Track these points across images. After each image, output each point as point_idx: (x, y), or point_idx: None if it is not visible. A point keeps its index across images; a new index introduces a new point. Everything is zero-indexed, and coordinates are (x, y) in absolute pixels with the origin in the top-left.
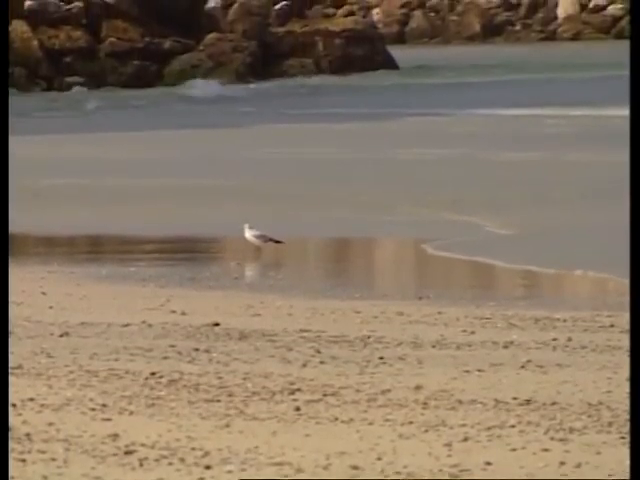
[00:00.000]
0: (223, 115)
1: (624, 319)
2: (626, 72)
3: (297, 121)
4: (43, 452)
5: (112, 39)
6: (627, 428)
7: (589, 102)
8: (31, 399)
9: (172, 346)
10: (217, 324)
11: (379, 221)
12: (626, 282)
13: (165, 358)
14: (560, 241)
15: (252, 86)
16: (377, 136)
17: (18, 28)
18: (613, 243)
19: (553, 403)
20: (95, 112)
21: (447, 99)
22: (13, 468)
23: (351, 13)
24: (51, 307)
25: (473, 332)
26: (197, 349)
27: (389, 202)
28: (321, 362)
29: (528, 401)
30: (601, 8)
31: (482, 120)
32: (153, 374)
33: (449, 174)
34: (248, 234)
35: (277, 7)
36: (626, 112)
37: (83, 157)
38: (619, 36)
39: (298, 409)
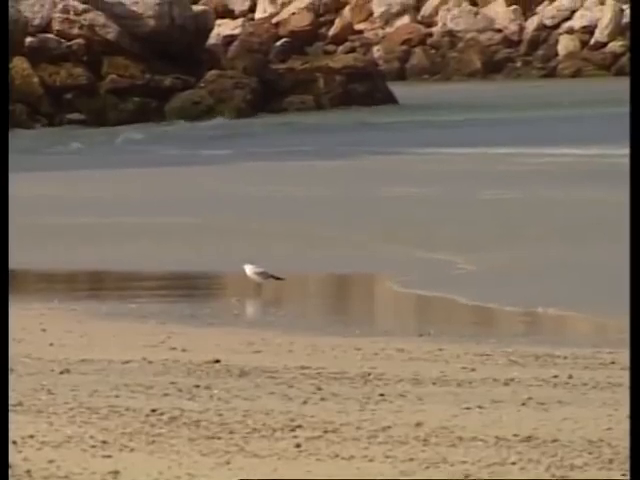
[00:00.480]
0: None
1: (624, 356)
2: (625, 109)
3: (279, 159)
4: None
5: (113, 76)
6: (628, 465)
7: (582, 140)
8: (31, 436)
9: (173, 383)
10: (218, 361)
11: (353, 258)
12: (592, 319)
13: (165, 395)
14: (530, 279)
15: (213, 122)
16: (357, 174)
17: (19, 65)
18: (586, 281)
19: (554, 440)
20: (81, 150)
21: (441, 137)
22: None
23: (352, 50)
24: (51, 344)
25: (474, 369)
26: (198, 386)
27: (364, 240)
28: (322, 399)
29: (529, 438)
30: (601, 45)
31: (469, 158)
32: (153, 411)
33: (429, 212)
34: (248, 270)
35: (278, 44)
36: (616, 151)
37: (64, 195)
38: (619, 73)
39: (299, 446)
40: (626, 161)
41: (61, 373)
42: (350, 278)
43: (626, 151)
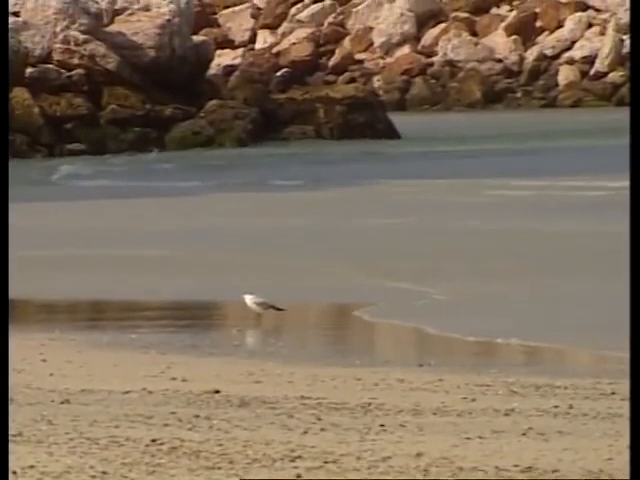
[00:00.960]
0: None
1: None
2: (624, 140)
3: (248, 190)
4: None
5: (113, 106)
6: None
7: (575, 171)
8: (32, 466)
9: (173, 413)
10: (218, 391)
11: (327, 289)
12: (554, 347)
13: (166, 425)
14: (496, 310)
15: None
16: (338, 204)
17: (19, 95)
18: (557, 312)
19: (554, 470)
20: (62, 181)
21: (435, 168)
22: None
23: (352, 80)
24: (52, 374)
25: (474, 399)
26: (198, 416)
27: (337, 270)
28: (322, 429)
29: (529, 468)
30: (602, 75)
31: (455, 189)
32: (154, 441)
33: (409, 243)
34: (249, 301)
35: (278, 74)
36: (606, 183)
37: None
38: (620, 103)
39: (299, 476)
40: (614, 193)
41: (61, 403)
42: (329, 309)
43: (617, 184)
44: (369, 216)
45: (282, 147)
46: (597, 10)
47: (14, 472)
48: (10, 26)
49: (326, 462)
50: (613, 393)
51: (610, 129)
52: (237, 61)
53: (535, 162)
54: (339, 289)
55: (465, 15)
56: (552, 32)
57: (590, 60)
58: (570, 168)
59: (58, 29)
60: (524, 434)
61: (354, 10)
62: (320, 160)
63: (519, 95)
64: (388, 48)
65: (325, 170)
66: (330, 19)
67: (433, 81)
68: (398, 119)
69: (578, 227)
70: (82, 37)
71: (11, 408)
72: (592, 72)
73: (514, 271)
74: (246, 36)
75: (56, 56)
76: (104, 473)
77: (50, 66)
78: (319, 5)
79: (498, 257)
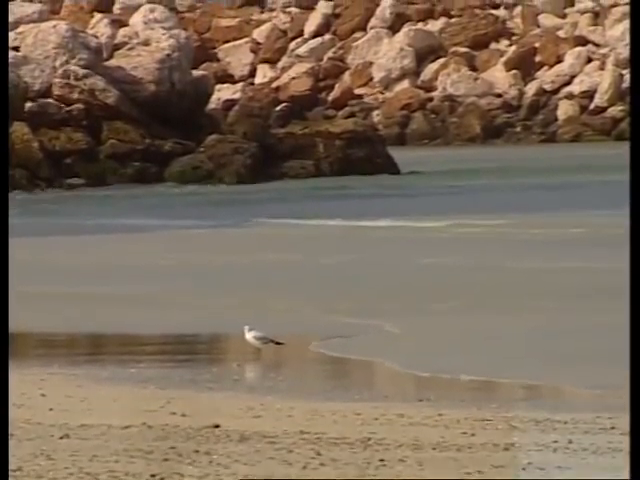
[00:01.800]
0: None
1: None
2: (623, 176)
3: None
4: None
5: (113, 141)
6: None
7: (564, 207)
8: None
9: (172, 448)
10: (217, 426)
11: (282, 323)
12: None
13: (165, 460)
14: (449, 347)
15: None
16: (301, 242)
17: (19, 130)
18: (505, 347)
19: None
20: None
21: (428, 204)
22: None
23: (351, 115)
24: (51, 409)
25: (474, 434)
26: (197, 451)
27: (298, 308)
28: (321, 464)
29: None
30: (601, 110)
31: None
32: (153, 476)
33: (373, 280)
34: (248, 335)
35: (277, 109)
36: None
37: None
38: (619, 138)
39: None
40: (582, 231)
41: (61, 438)
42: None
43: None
44: (342, 253)
45: (278, 183)
46: (596, 45)
47: None
48: (10, 60)
49: None
50: (613, 428)
51: (609, 165)
52: (237, 95)
53: (527, 197)
54: (294, 323)
55: (464, 50)
56: (551, 67)
57: (589, 95)
58: (562, 203)
59: (58, 64)
60: (524, 469)
61: (354, 45)
62: (315, 195)
63: (518, 130)
64: (388, 83)
65: (317, 206)
66: (330, 54)
67: (432, 116)
68: (398, 154)
69: (540, 263)
70: (82, 72)
71: (11, 443)
72: (591, 107)
73: (472, 306)
74: (246, 71)
75: (56, 91)
76: None
77: (50, 100)
78: (318, 40)
79: (453, 293)
